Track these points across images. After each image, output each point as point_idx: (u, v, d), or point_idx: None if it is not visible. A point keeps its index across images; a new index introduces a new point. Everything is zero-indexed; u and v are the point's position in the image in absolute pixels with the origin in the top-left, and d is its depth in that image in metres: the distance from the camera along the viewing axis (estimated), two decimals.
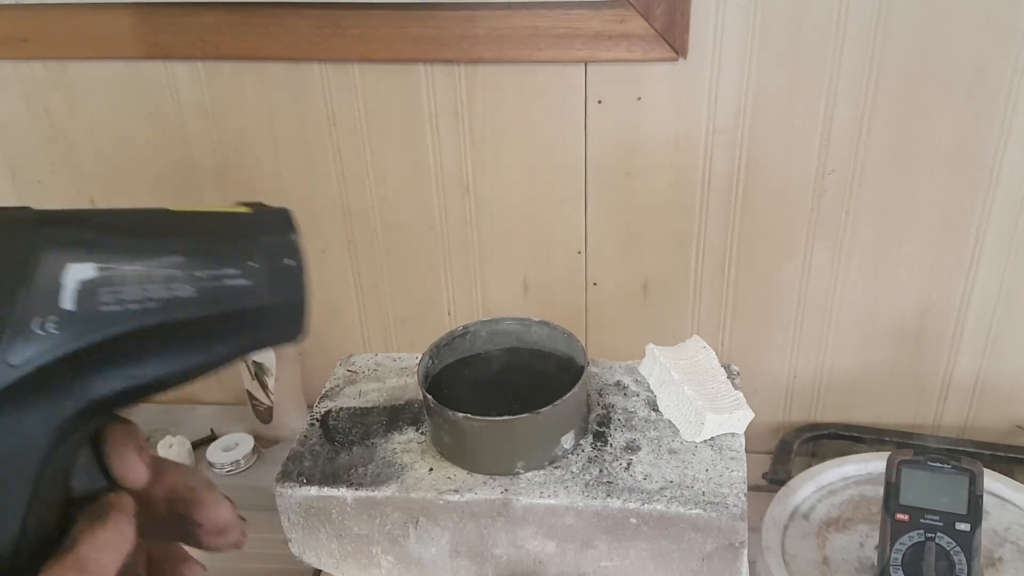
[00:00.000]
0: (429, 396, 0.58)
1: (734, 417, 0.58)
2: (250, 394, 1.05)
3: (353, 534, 0.59)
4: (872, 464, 0.90)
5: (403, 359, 0.71)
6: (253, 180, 0.99)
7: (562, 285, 1.00)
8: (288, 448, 0.62)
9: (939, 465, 0.78)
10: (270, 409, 1.05)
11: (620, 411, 0.62)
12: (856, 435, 1.00)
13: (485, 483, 0.57)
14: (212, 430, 1.09)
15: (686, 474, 0.57)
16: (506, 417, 0.55)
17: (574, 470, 0.58)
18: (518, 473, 0.57)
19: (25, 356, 0.31)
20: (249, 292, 0.35)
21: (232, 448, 1.04)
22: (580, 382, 0.58)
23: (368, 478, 0.58)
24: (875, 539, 0.80)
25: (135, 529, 0.31)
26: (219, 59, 0.92)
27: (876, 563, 0.77)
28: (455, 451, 0.59)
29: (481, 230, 0.97)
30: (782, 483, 0.90)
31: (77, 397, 0.33)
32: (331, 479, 0.59)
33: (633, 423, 0.61)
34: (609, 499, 0.55)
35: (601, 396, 0.64)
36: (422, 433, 0.62)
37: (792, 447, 0.98)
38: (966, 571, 0.74)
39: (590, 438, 0.60)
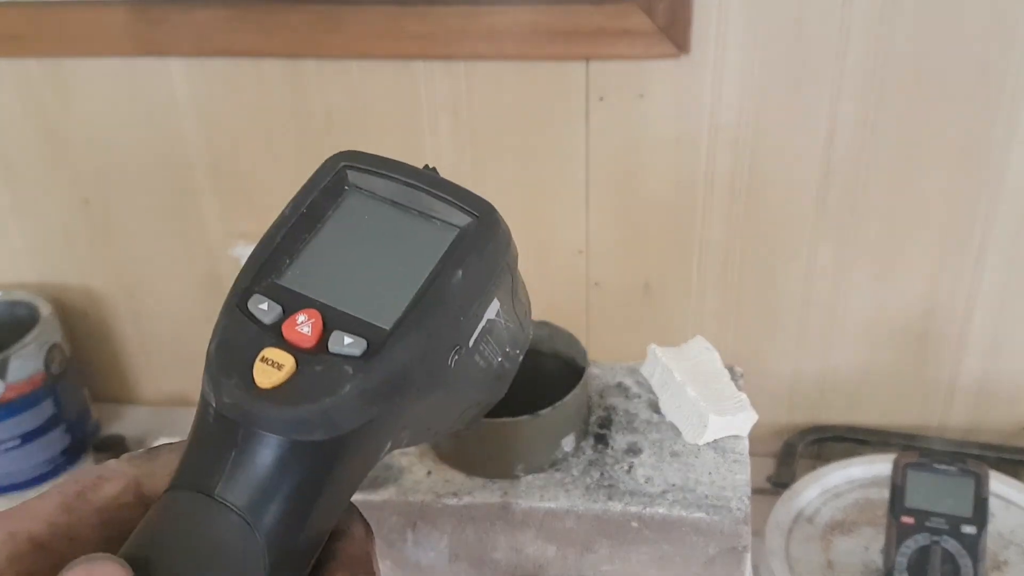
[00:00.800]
0: None
1: (737, 419, 0.58)
2: None
3: None
4: (877, 467, 0.89)
5: None
6: (249, 178, 0.99)
7: (563, 285, 0.99)
8: None
9: (945, 467, 0.77)
10: None
11: (621, 413, 0.62)
12: (861, 437, 0.99)
13: (484, 486, 0.57)
14: None
15: (689, 477, 0.56)
16: (506, 419, 0.55)
17: (575, 473, 0.57)
18: (518, 476, 0.57)
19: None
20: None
21: None
22: (581, 384, 0.57)
23: (366, 481, 0.58)
24: (880, 542, 0.79)
25: None
26: (214, 56, 0.92)
27: (881, 567, 0.77)
28: (454, 454, 0.58)
29: None
30: (786, 486, 0.89)
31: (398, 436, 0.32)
32: None
33: (635, 425, 0.60)
34: (610, 502, 0.55)
35: (602, 398, 0.63)
36: None
37: (796, 449, 0.98)
38: (972, 574, 0.73)
39: (591, 440, 0.59)
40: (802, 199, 0.91)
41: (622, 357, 0.67)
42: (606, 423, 0.61)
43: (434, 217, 0.33)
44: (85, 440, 1.06)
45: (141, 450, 0.33)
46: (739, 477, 0.56)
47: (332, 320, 0.30)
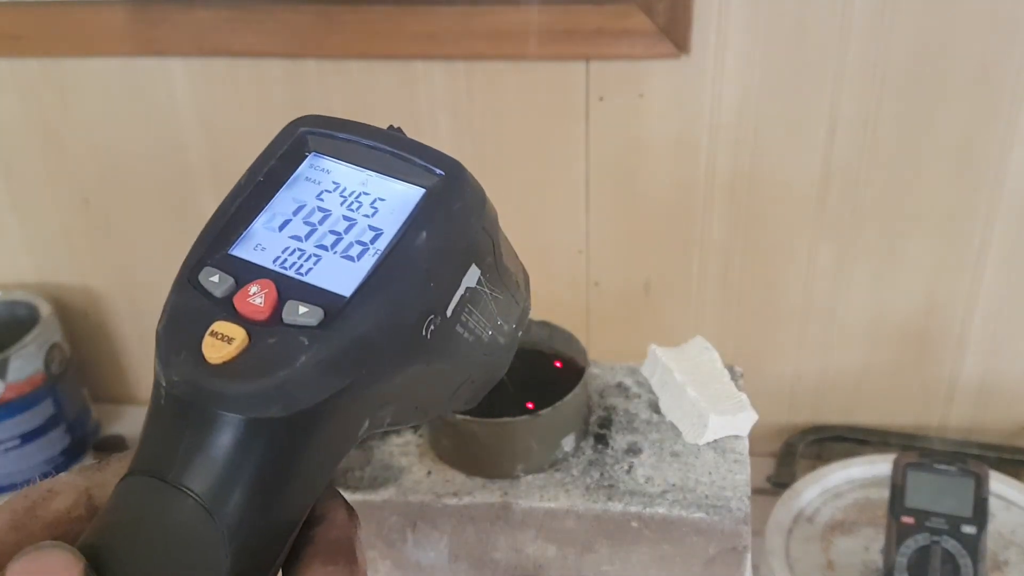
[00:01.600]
0: None
1: (738, 419, 0.58)
2: None
3: None
4: (877, 466, 0.89)
5: None
6: None
7: (563, 285, 0.99)
8: None
9: (945, 467, 0.77)
10: None
11: (621, 413, 0.61)
12: (861, 437, 0.99)
13: (484, 486, 0.57)
14: None
15: (689, 477, 0.56)
16: (506, 419, 0.55)
17: (575, 473, 0.57)
18: (518, 476, 0.57)
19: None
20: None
21: None
22: (581, 384, 0.57)
23: (365, 481, 0.58)
24: (880, 542, 0.79)
25: None
26: (214, 56, 0.92)
27: (881, 567, 0.77)
28: (454, 454, 0.58)
29: None
30: (786, 486, 0.89)
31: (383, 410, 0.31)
32: None
33: (635, 425, 0.60)
34: (610, 502, 0.55)
35: (602, 398, 0.63)
36: (420, 435, 0.61)
37: (796, 449, 0.98)
38: (972, 574, 0.73)
39: (591, 440, 0.59)
40: (802, 199, 0.90)
41: (622, 357, 0.67)
42: (606, 423, 0.61)
43: (399, 179, 0.32)
44: (85, 440, 1.06)
45: (92, 461, 0.32)
46: (739, 477, 0.56)
47: (287, 290, 0.29)
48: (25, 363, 0.97)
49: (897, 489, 0.77)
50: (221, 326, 0.28)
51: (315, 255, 0.30)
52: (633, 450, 0.58)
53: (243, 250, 0.30)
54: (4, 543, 0.29)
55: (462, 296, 0.31)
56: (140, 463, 0.28)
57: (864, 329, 0.97)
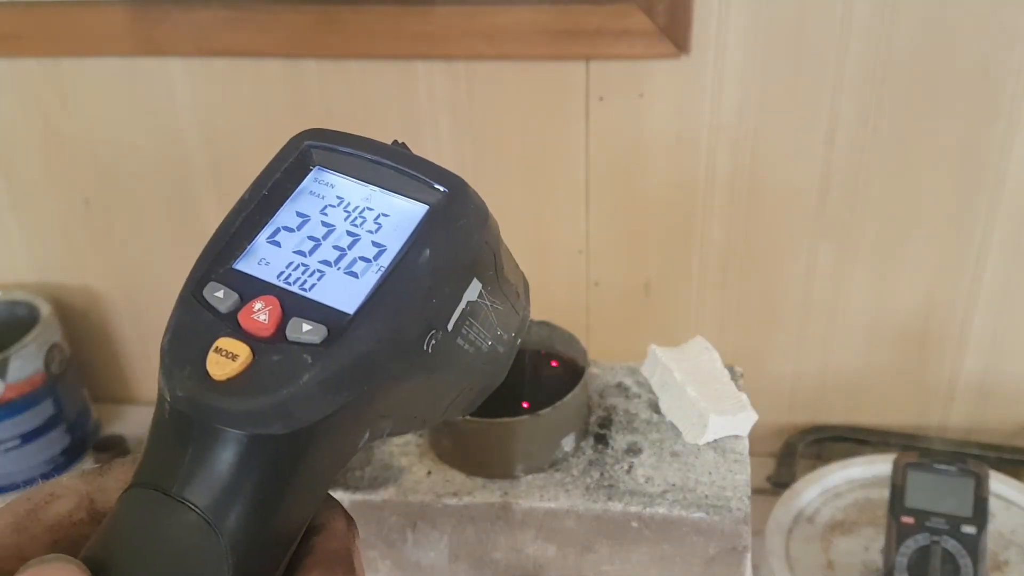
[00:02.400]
0: None
1: (737, 419, 0.57)
2: None
3: None
4: (877, 466, 0.89)
5: None
6: (249, 178, 0.98)
7: (563, 285, 0.99)
8: None
9: (945, 467, 0.77)
10: None
11: (621, 413, 0.61)
12: (861, 437, 0.99)
13: (484, 486, 0.57)
14: None
15: (689, 477, 0.56)
16: (506, 419, 0.55)
17: (575, 473, 0.57)
18: (518, 476, 0.57)
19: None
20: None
21: None
22: (581, 384, 0.57)
23: (365, 481, 0.58)
24: (880, 542, 0.79)
25: None
26: (214, 56, 0.92)
27: (882, 567, 0.77)
28: (454, 454, 0.58)
29: None
30: (786, 486, 0.89)
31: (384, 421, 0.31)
32: None
33: (635, 425, 0.60)
34: (610, 502, 0.55)
35: (602, 398, 0.63)
36: (420, 435, 0.61)
37: (796, 449, 0.98)
38: (972, 574, 0.73)
39: (591, 440, 0.59)
40: (802, 199, 0.90)
41: (622, 357, 0.67)
42: (606, 423, 0.61)
43: (403, 194, 0.32)
44: (85, 440, 1.06)
45: (94, 466, 0.32)
46: (739, 477, 0.56)
47: (291, 306, 0.29)
48: (25, 363, 0.97)
49: (897, 489, 0.77)
50: (225, 343, 0.28)
51: (319, 270, 0.30)
52: (633, 450, 0.58)
53: (247, 264, 0.30)
54: (5, 545, 0.29)
55: (463, 310, 0.31)
56: (143, 476, 0.28)
57: (864, 329, 0.96)
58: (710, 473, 0.56)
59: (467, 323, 0.32)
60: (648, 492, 0.55)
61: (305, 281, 0.30)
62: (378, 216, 0.32)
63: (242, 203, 0.32)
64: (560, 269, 0.98)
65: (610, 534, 0.55)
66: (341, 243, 0.31)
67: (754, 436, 0.59)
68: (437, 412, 0.34)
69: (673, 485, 0.55)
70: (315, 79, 0.92)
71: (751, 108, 0.87)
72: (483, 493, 0.56)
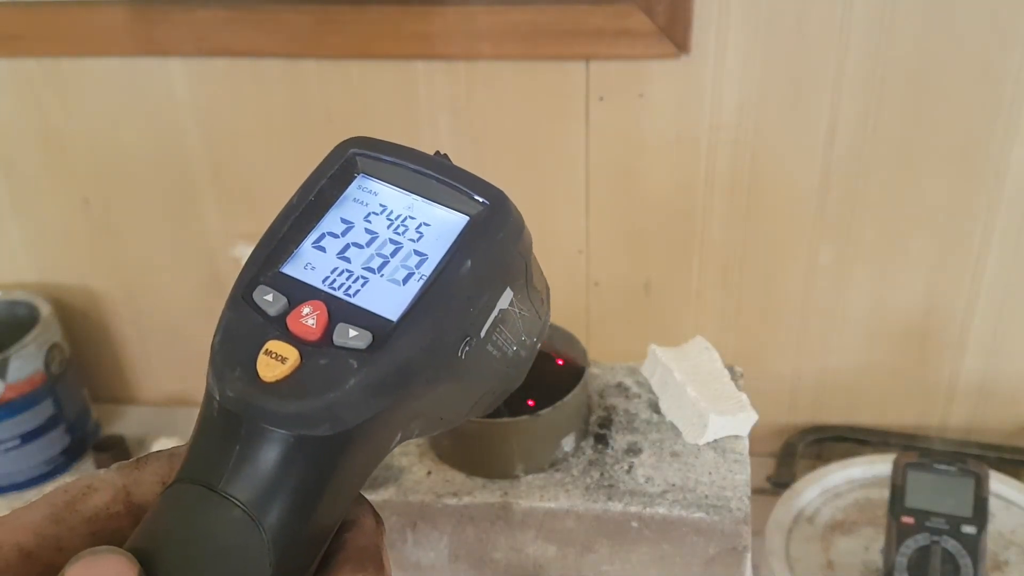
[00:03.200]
0: None
1: (738, 419, 0.57)
2: None
3: None
4: (877, 467, 0.89)
5: None
6: (249, 178, 0.98)
7: (563, 285, 0.99)
8: None
9: (945, 467, 0.77)
10: None
11: (621, 413, 0.61)
12: (861, 437, 0.99)
13: (484, 486, 0.56)
14: None
15: (689, 477, 0.56)
16: (506, 419, 0.55)
17: (575, 473, 0.57)
18: (518, 476, 0.57)
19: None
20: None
21: None
22: (581, 384, 0.57)
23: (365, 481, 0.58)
24: (880, 542, 0.79)
25: None
26: (214, 56, 0.92)
27: (882, 567, 0.77)
28: (454, 454, 0.58)
29: None
30: (786, 486, 0.89)
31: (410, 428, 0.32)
32: None
33: (635, 425, 0.60)
34: (610, 502, 0.55)
35: (602, 398, 0.63)
36: None
37: (796, 449, 0.98)
38: (972, 574, 0.73)
39: (591, 440, 0.59)
40: (802, 199, 0.90)
41: (622, 357, 0.67)
42: (606, 423, 0.61)
43: (444, 205, 0.33)
44: (85, 440, 1.06)
45: (131, 459, 0.33)
46: (739, 477, 0.56)
47: (337, 312, 0.30)
48: (25, 363, 0.97)
49: (897, 489, 0.77)
50: (275, 345, 0.29)
51: (363, 277, 0.31)
52: (633, 450, 0.58)
53: (294, 268, 0.31)
54: (44, 536, 0.30)
55: (495, 318, 0.32)
56: (189, 472, 0.29)
57: (864, 329, 0.96)
58: (710, 473, 0.56)
59: (498, 330, 0.33)
60: (648, 492, 0.55)
61: (349, 287, 0.31)
62: (420, 225, 0.32)
63: (290, 207, 0.33)
64: (560, 269, 0.98)
65: (610, 534, 0.55)
66: (384, 251, 0.32)
67: (754, 436, 0.59)
68: (461, 414, 0.35)
69: (673, 485, 0.55)
70: (315, 79, 0.91)
71: (751, 108, 0.87)
72: (483, 493, 0.56)
